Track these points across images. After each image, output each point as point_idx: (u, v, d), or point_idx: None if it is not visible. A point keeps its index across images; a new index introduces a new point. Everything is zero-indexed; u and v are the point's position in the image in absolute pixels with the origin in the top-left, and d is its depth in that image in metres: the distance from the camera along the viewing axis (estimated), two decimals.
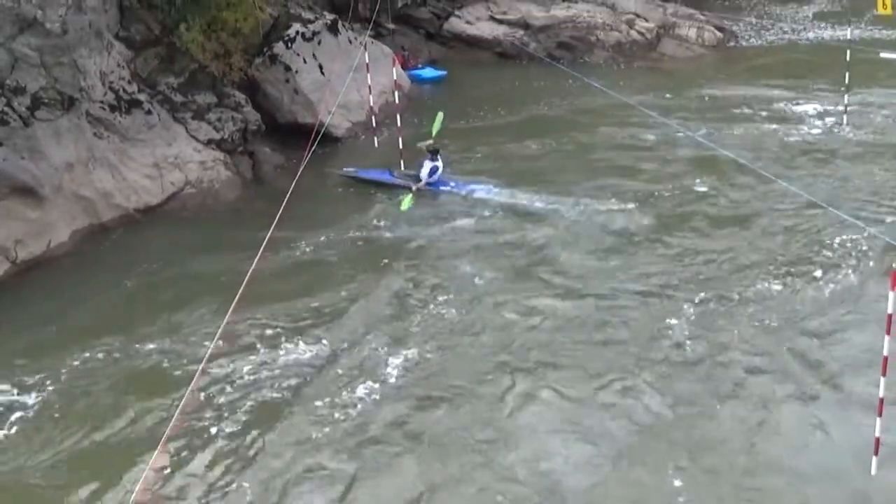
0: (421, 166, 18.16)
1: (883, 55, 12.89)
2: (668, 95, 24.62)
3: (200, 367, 8.08)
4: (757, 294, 13.42)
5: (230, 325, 11.87)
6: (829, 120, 21.77)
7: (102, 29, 17.06)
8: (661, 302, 13.24)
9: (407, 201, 17.10)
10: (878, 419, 9.28)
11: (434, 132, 18.57)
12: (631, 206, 16.69)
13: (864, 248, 14.59)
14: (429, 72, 27.32)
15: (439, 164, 18.13)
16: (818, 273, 13.94)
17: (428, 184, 18.01)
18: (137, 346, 12.53)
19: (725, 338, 12.26)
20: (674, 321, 12.64)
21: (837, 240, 14.91)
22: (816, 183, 17.58)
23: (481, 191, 17.86)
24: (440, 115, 18.88)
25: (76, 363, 12.13)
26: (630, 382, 11.35)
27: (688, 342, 12.14)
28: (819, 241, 14.97)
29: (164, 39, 18.70)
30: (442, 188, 18.08)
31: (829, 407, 10.79)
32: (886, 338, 8.96)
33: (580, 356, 11.98)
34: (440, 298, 13.65)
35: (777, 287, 13.61)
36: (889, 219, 15.77)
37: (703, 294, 13.36)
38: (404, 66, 25.34)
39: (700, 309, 12.97)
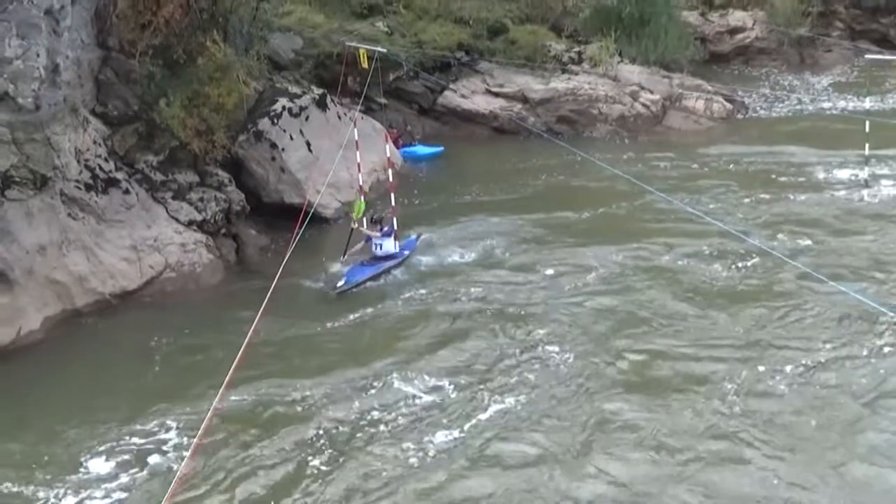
0: (388, 242, 18.91)
1: None
2: (675, 171, 24.93)
3: (200, 436, 8.14)
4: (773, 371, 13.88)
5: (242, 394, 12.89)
6: (849, 192, 22.06)
7: (78, 104, 17.44)
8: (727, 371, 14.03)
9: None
10: None
11: None
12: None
13: (882, 329, 14.88)
14: (422, 149, 27.71)
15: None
16: (829, 355, 14.30)
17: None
18: (125, 432, 12.78)
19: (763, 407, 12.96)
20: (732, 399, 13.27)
21: (854, 320, 15.19)
22: (834, 260, 17.79)
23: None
24: None
25: (45, 461, 12.17)
26: (693, 454, 11.99)
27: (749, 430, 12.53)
28: (835, 322, 15.28)
29: (143, 115, 19.03)
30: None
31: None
32: None
33: (655, 416, 12.82)
34: (505, 352, 14.95)
35: (794, 363, 14.05)
36: None
37: (741, 369, 14.03)
38: (395, 145, 25.70)
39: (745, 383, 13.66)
